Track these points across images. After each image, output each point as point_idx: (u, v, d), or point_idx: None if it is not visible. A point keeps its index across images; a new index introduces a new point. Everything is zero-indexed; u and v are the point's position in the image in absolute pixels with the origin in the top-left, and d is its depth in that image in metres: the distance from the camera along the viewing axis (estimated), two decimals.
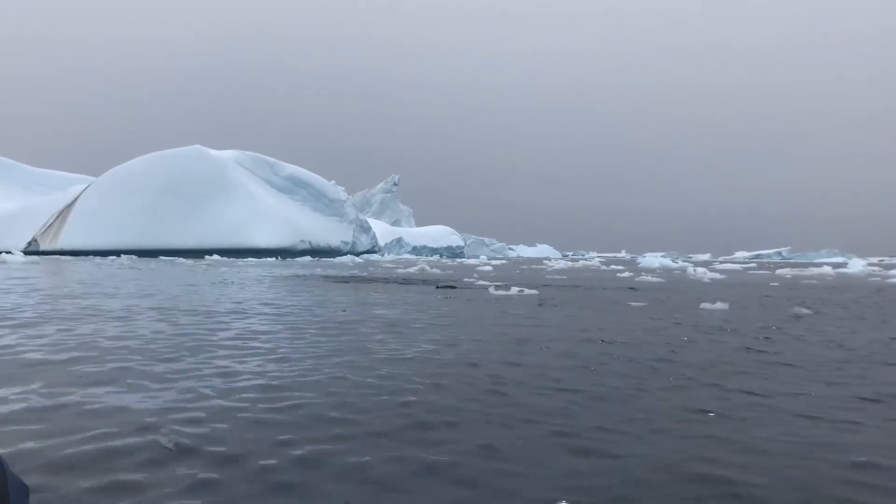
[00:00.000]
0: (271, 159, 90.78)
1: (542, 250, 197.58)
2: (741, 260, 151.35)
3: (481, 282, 26.20)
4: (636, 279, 34.97)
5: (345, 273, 38.28)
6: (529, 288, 19.93)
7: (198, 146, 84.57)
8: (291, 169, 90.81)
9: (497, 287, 19.81)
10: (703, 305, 16.67)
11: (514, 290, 18.85)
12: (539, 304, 16.17)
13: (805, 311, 16.05)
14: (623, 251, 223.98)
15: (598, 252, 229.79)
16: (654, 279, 35.15)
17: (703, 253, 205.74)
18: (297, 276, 31.39)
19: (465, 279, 29.94)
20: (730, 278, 38.99)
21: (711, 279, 37.25)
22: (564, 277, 36.45)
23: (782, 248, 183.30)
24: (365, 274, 37.42)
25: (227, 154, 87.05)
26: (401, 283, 25.02)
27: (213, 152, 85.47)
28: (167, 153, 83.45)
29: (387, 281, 27.83)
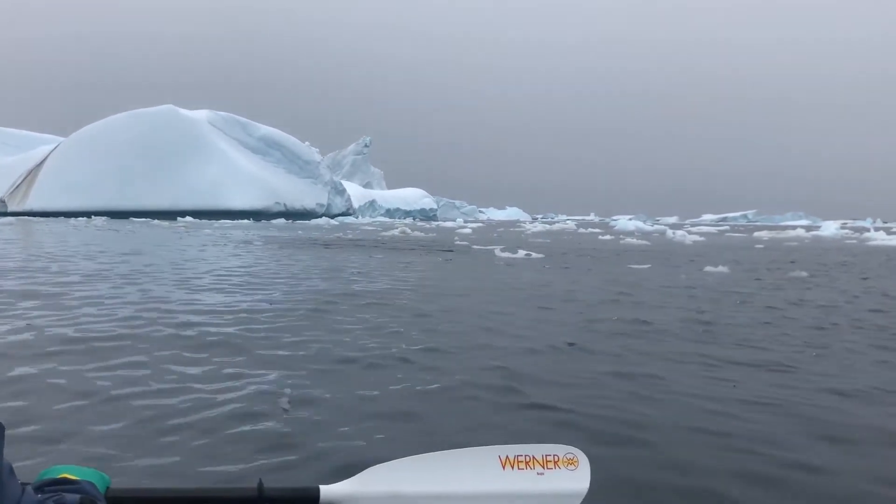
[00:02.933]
0: (244, 119, 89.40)
1: (511, 213, 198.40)
2: (710, 222, 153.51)
3: (477, 246, 26.39)
4: (621, 242, 35.39)
5: (330, 236, 38.17)
6: (535, 252, 20.17)
7: (170, 106, 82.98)
8: (265, 130, 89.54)
9: (503, 250, 20.04)
10: (707, 268, 17.08)
11: (521, 253, 19.10)
12: (546, 267, 16.46)
13: (802, 273, 16.59)
14: (592, 214, 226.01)
15: (568, 214, 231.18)
16: (638, 241, 35.60)
17: (671, 216, 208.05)
18: (295, 240, 31.28)
19: (457, 242, 30.12)
20: (710, 241, 39.66)
21: (693, 241, 37.84)
22: (548, 241, 36.70)
23: (748, 211, 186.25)
24: (350, 236, 37.37)
25: (200, 114, 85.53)
26: (403, 249, 25.07)
27: (186, 112, 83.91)
28: (138, 113, 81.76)
29: (384, 245, 27.87)
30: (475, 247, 26.20)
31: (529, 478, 1.59)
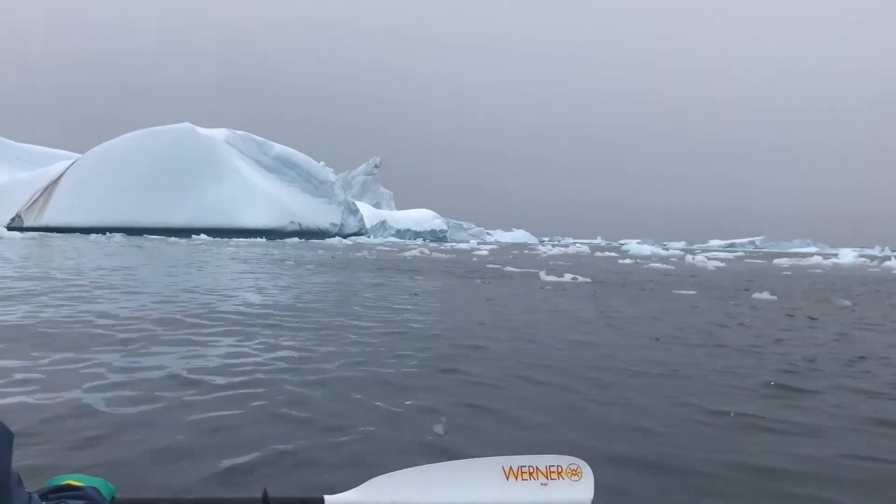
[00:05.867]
0: (260, 138, 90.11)
1: (518, 235, 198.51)
2: (719, 248, 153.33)
3: (510, 268, 26.48)
4: (645, 267, 35.42)
5: (354, 255, 38.29)
6: (581, 276, 20.24)
7: (187, 124, 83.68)
8: (280, 149, 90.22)
9: (548, 273, 20.12)
10: (755, 295, 17.15)
11: (567, 276, 19.18)
12: (594, 293, 16.54)
13: (846, 302, 16.64)
14: (599, 237, 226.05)
15: (574, 238, 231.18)
16: (663, 266, 35.66)
17: (678, 241, 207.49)
18: (333, 262, 31.37)
19: (487, 266, 30.21)
20: (732, 267, 39.63)
21: (716, 267, 37.81)
22: (570, 264, 36.71)
23: (756, 238, 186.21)
24: (374, 257, 37.48)
25: (217, 133, 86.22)
26: (440, 272, 25.17)
27: (203, 131, 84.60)
28: (156, 130, 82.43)
29: (420, 269, 27.96)
30: (508, 269, 26.26)
31: (533, 488, 1.61)
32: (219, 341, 7.43)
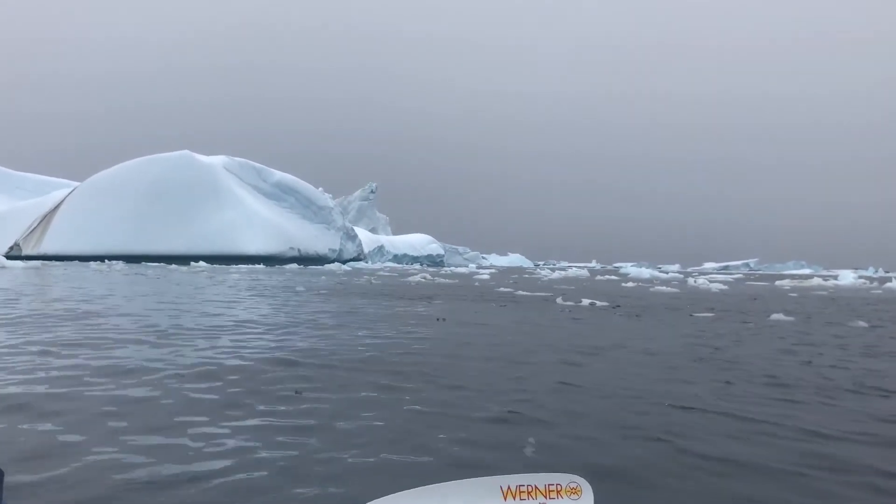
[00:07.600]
0: (259, 165, 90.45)
1: (513, 259, 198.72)
2: (714, 270, 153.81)
3: (521, 292, 26.59)
4: (651, 290, 35.57)
5: (358, 280, 38.32)
6: (600, 300, 20.34)
7: (186, 151, 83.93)
8: (279, 175, 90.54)
9: (564, 298, 20.22)
10: (774, 317, 17.31)
11: (585, 301, 19.28)
12: (619, 316, 16.69)
13: (863, 323, 16.80)
14: (594, 261, 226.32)
15: (569, 261, 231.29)
16: (669, 289, 35.83)
17: (672, 263, 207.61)
18: (335, 292, 31.41)
19: (497, 290, 30.31)
20: (735, 289, 39.80)
21: (719, 289, 38.01)
22: (573, 288, 36.84)
23: (750, 260, 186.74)
24: (380, 283, 37.51)
25: (216, 160, 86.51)
26: (459, 298, 25.24)
27: (202, 158, 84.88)
28: (155, 158, 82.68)
29: (430, 294, 27.98)
30: (519, 293, 26.38)
31: None
32: None
